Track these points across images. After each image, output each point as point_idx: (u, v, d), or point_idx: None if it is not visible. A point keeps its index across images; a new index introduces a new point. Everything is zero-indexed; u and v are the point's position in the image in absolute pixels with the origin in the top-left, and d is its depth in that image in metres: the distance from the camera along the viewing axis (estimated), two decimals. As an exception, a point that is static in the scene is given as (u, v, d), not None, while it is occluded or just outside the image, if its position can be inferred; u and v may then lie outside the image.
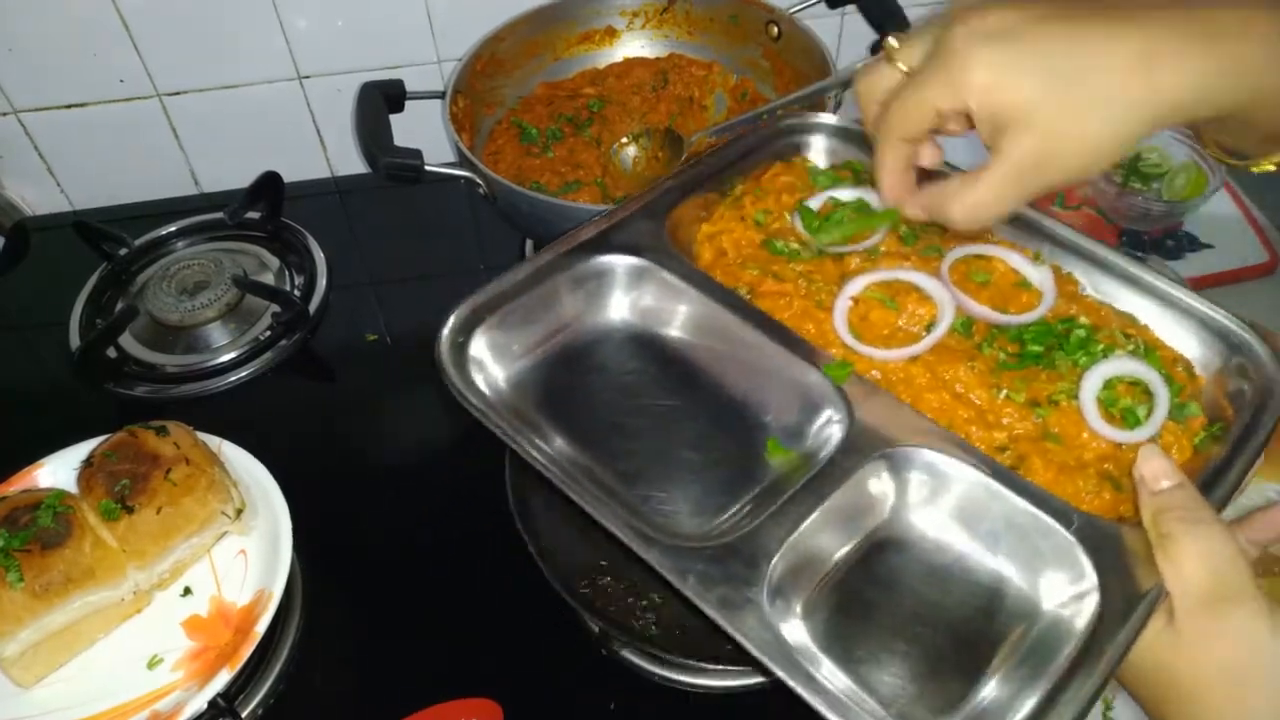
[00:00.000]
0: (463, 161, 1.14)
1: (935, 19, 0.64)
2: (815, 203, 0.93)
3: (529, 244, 1.37)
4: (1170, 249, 1.36)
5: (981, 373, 0.81)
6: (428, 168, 1.09)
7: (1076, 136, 0.58)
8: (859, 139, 0.96)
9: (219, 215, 1.40)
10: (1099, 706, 0.98)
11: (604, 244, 0.85)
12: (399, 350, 1.27)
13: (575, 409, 0.81)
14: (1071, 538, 0.68)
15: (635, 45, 1.39)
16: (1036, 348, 0.82)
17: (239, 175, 1.41)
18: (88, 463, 0.99)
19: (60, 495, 0.95)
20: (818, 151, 0.99)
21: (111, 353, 1.26)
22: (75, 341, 1.27)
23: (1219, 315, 0.82)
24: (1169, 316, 0.85)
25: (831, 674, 0.65)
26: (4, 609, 0.88)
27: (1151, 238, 1.38)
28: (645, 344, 0.86)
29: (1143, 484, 0.67)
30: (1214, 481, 0.71)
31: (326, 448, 1.17)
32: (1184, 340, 0.84)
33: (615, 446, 0.78)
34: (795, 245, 0.90)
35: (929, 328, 0.83)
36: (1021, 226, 0.90)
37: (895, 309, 0.84)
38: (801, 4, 1.27)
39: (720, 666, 0.88)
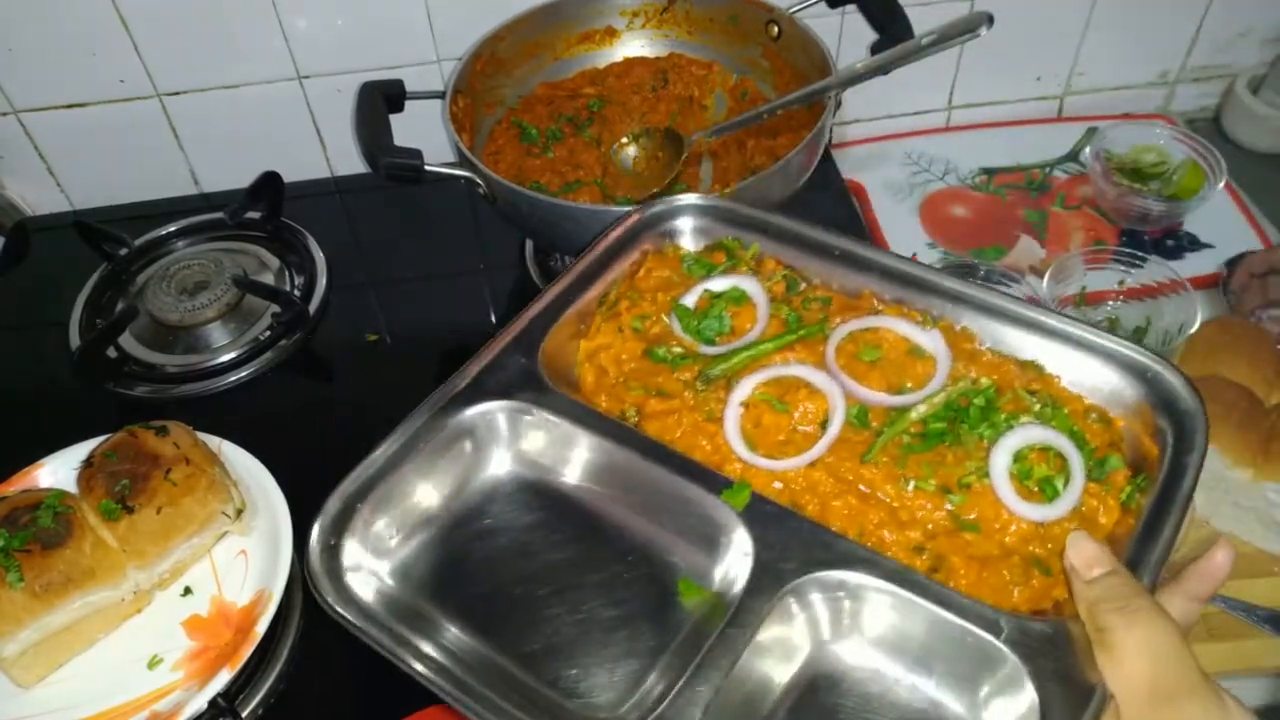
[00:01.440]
0: (463, 161, 1.14)
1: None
2: (690, 299, 0.89)
3: (529, 245, 1.37)
4: (1170, 249, 1.36)
5: (886, 465, 0.76)
6: (428, 168, 1.09)
7: None
8: (726, 215, 0.93)
9: (219, 215, 1.40)
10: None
11: (476, 393, 0.80)
12: (399, 350, 1.27)
13: (471, 585, 0.75)
14: (1004, 648, 0.64)
15: (635, 45, 1.39)
16: (939, 424, 0.78)
17: (239, 175, 1.41)
18: (88, 463, 0.99)
19: (60, 495, 0.95)
20: (688, 235, 0.94)
21: (111, 353, 1.26)
22: (75, 341, 1.27)
23: (1127, 349, 0.78)
24: (1075, 356, 0.80)
25: None
26: (4, 609, 0.88)
27: (1151, 238, 1.38)
28: (538, 493, 0.80)
29: (1074, 574, 0.64)
30: (1146, 545, 0.67)
31: (326, 448, 1.16)
32: (1096, 377, 0.79)
33: (518, 621, 0.72)
34: (678, 349, 0.86)
35: (824, 424, 0.79)
36: (906, 283, 0.86)
37: (786, 410, 0.80)
38: (802, 4, 1.27)
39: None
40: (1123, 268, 1.27)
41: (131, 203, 1.48)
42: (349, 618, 0.70)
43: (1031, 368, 0.81)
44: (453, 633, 0.72)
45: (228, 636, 0.94)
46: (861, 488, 0.76)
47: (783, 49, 1.28)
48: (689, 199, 0.94)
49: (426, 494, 0.79)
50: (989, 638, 0.64)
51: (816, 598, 0.70)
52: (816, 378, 0.81)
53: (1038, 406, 0.78)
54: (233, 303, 1.29)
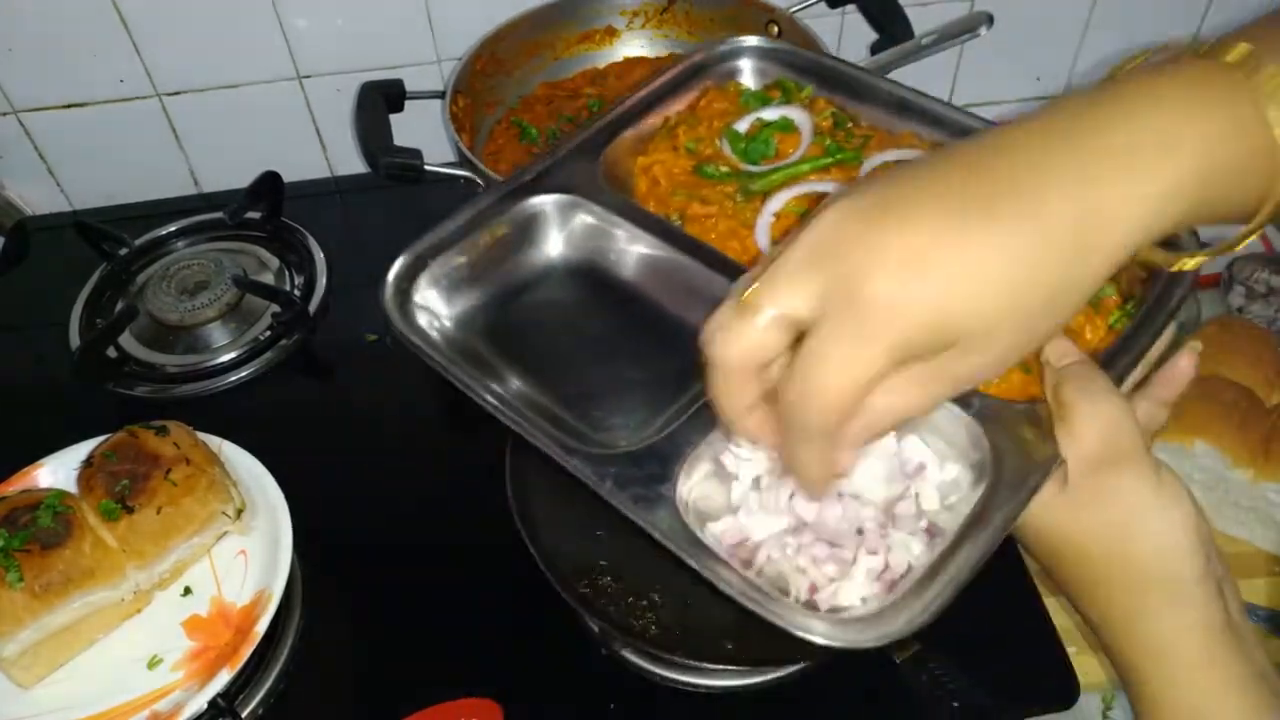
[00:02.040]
0: (463, 161, 1.14)
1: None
2: (742, 125, 0.94)
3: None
4: (1169, 248, 1.36)
5: None
6: (428, 167, 1.09)
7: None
8: (785, 57, 0.98)
9: (219, 215, 1.40)
10: (1098, 706, 0.98)
11: (539, 185, 0.88)
12: (399, 350, 1.27)
13: (523, 343, 0.84)
14: (973, 420, 0.68)
15: (635, 45, 1.39)
16: None
17: (239, 175, 1.41)
18: (88, 463, 0.99)
19: (60, 495, 0.95)
20: (749, 74, 1.00)
21: (111, 353, 1.26)
22: (75, 341, 1.27)
23: None
24: None
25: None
26: (4, 609, 0.88)
27: (1152, 237, 1.38)
28: (585, 275, 0.88)
29: (1047, 364, 0.68)
30: (1119, 350, 0.72)
31: (326, 448, 1.17)
32: None
33: (561, 372, 0.81)
34: (724, 169, 0.92)
35: None
36: (950, 129, 0.90)
37: None
38: (802, 4, 1.27)
39: (721, 666, 0.88)
40: (1123, 268, 1.27)
41: (131, 203, 1.48)
42: (423, 348, 0.78)
43: None
44: (505, 376, 0.81)
45: (227, 636, 0.94)
46: None
47: (783, 49, 1.28)
48: (751, 41, 0.99)
49: (488, 264, 0.86)
50: (958, 411, 0.69)
51: None
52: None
53: None
54: (233, 303, 1.29)
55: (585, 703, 0.92)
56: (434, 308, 0.84)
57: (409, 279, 0.82)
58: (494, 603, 0.99)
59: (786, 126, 0.94)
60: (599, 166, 0.90)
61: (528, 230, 0.88)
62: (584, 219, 0.88)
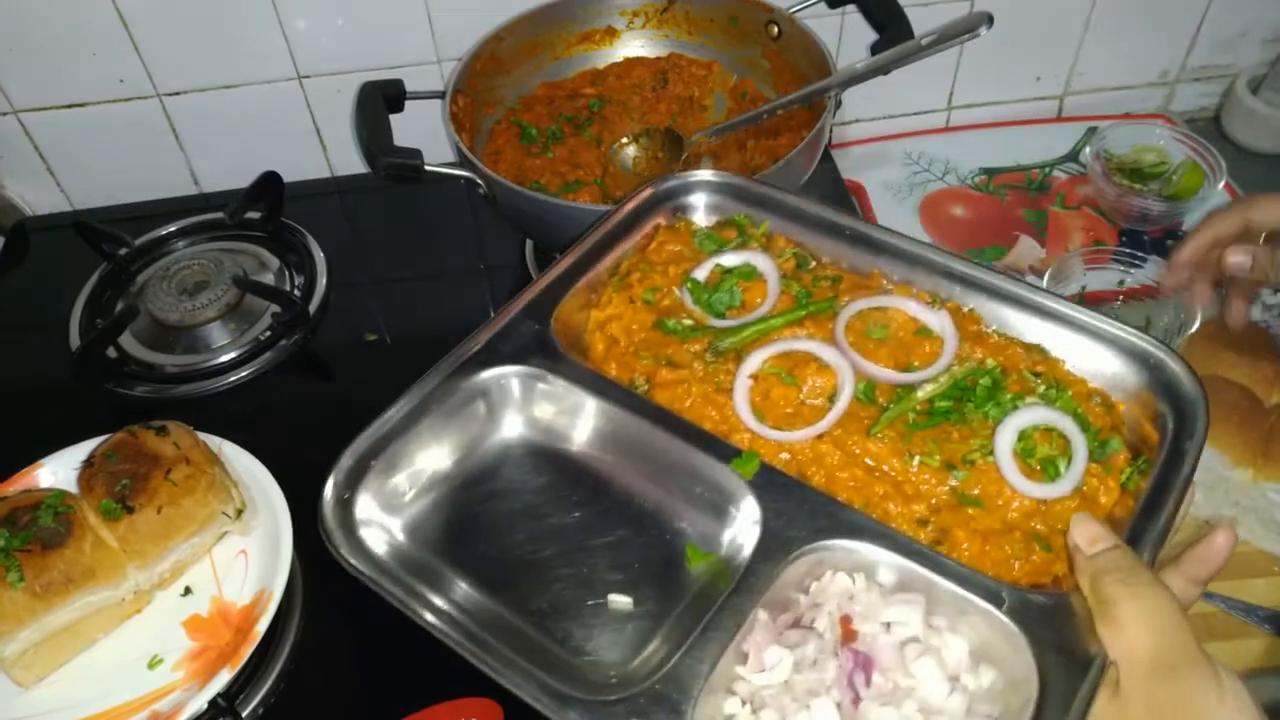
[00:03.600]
0: (463, 161, 1.14)
1: None
2: (701, 273, 0.90)
3: (529, 245, 1.37)
4: (1170, 249, 1.36)
5: (892, 440, 0.78)
6: (428, 167, 1.09)
7: None
8: (738, 191, 0.94)
9: (219, 215, 1.40)
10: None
11: (489, 357, 0.82)
12: (399, 350, 1.27)
13: (481, 544, 0.77)
14: (1005, 619, 0.65)
15: (635, 45, 1.39)
16: (944, 403, 0.79)
17: (239, 175, 1.41)
18: (88, 463, 0.99)
19: (61, 495, 0.95)
20: (700, 211, 0.95)
21: (111, 353, 1.26)
22: (75, 341, 1.27)
23: (1129, 335, 0.79)
24: (1080, 341, 0.81)
25: None
26: (4, 609, 0.88)
27: (1151, 238, 1.38)
28: (548, 458, 0.82)
29: (1077, 550, 0.65)
30: (1146, 523, 0.68)
31: (327, 448, 1.16)
32: (1100, 362, 0.81)
33: (528, 581, 0.74)
34: (688, 321, 0.87)
35: (832, 399, 0.81)
36: (915, 265, 0.88)
37: (795, 384, 0.81)
38: (802, 4, 1.27)
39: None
40: (1122, 268, 1.27)
41: (131, 203, 1.48)
42: (362, 569, 0.71)
43: (1036, 351, 0.83)
44: (463, 589, 0.74)
45: (228, 636, 0.94)
46: (867, 461, 0.78)
47: (783, 49, 1.28)
48: (702, 175, 0.95)
49: (438, 454, 0.80)
50: (990, 608, 0.65)
51: (822, 564, 0.71)
52: (826, 353, 0.82)
53: (1042, 388, 0.79)
54: (233, 303, 1.29)
55: (585, 703, 0.92)
56: (381, 519, 0.76)
57: (350, 487, 0.75)
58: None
59: (749, 274, 0.89)
60: (550, 329, 0.83)
61: (480, 412, 0.81)
62: (543, 395, 0.81)
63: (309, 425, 1.20)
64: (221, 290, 1.28)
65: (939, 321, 0.84)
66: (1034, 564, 0.71)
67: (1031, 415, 0.77)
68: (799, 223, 0.92)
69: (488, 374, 0.81)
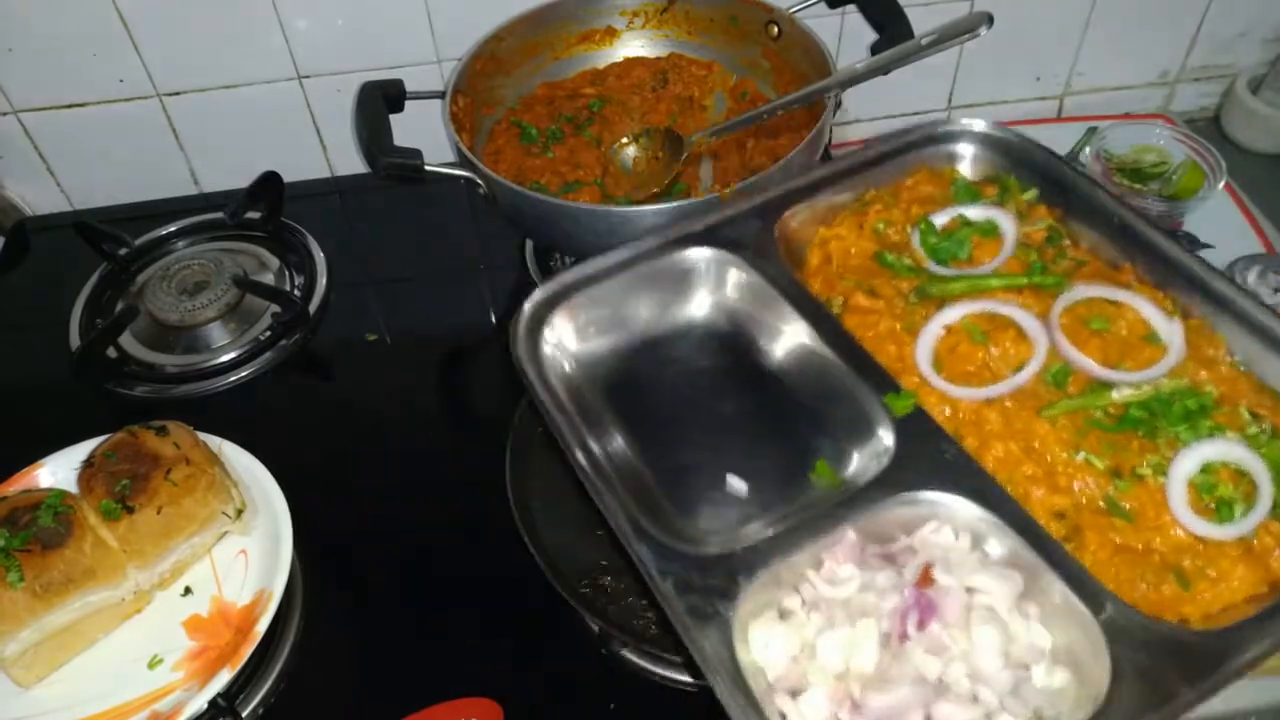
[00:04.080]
0: (463, 161, 1.14)
1: None
2: (941, 219, 0.86)
3: (529, 245, 1.37)
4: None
5: (1064, 428, 0.73)
6: (428, 167, 1.09)
7: None
8: (1015, 151, 0.89)
9: (219, 215, 1.40)
10: None
11: (707, 237, 0.83)
12: (399, 350, 1.27)
13: (639, 401, 0.80)
14: (1096, 624, 0.62)
15: (635, 45, 1.39)
16: (1139, 413, 0.73)
17: (239, 175, 1.41)
18: (88, 463, 0.99)
19: (61, 495, 0.95)
20: (967, 161, 0.92)
21: (112, 353, 1.26)
22: (75, 341, 1.27)
23: None
24: None
25: (793, 709, 0.63)
26: (5, 609, 0.88)
27: (1151, 237, 1.38)
28: (723, 343, 0.84)
29: None
30: None
31: (326, 448, 1.17)
32: None
33: (667, 441, 0.77)
34: (907, 261, 0.85)
35: (1018, 370, 0.77)
36: (1175, 273, 0.81)
37: (985, 344, 0.78)
38: (802, 4, 1.27)
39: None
40: (1123, 268, 1.27)
41: (131, 203, 1.48)
42: (535, 383, 0.75)
43: (1270, 394, 0.76)
44: (610, 430, 0.77)
45: (228, 636, 0.94)
46: (1034, 442, 0.74)
47: (783, 49, 1.28)
48: (979, 125, 0.92)
49: (632, 307, 0.83)
50: (1086, 611, 0.63)
51: (927, 514, 0.70)
52: (1029, 323, 0.79)
53: (1254, 429, 0.73)
54: (233, 303, 1.29)
55: (585, 703, 0.92)
56: (564, 343, 0.80)
57: (548, 306, 0.79)
58: (494, 603, 0.99)
59: (989, 230, 0.85)
60: (775, 230, 0.84)
61: (679, 282, 0.84)
62: (739, 283, 0.83)
63: (309, 425, 1.20)
64: (221, 290, 1.28)
65: (1169, 331, 0.78)
66: (1162, 595, 0.67)
67: (1225, 449, 0.71)
68: (1070, 201, 0.87)
69: (700, 252, 0.83)
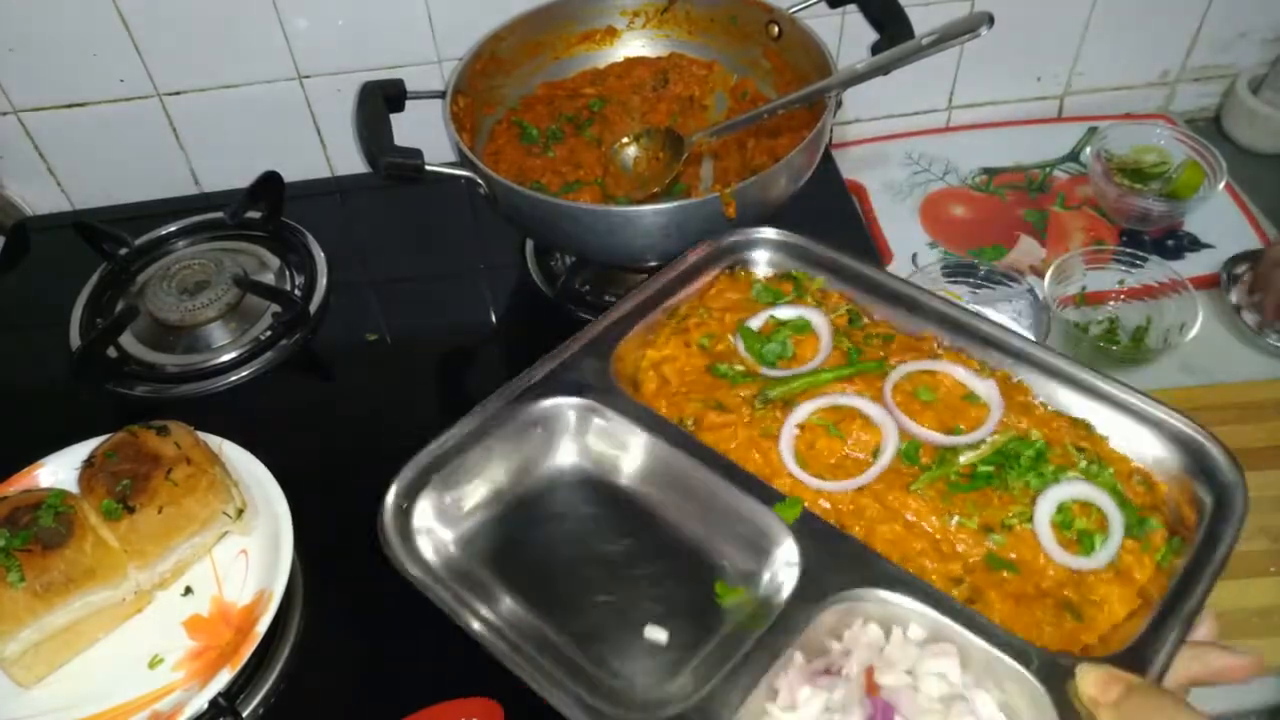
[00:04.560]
0: (463, 161, 1.14)
1: None
2: (756, 322, 0.93)
3: (529, 245, 1.37)
4: (1170, 249, 1.36)
5: (932, 499, 0.79)
6: (428, 167, 1.09)
7: None
8: (798, 251, 0.98)
9: (219, 215, 1.40)
10: None
11: (549, 387, 0.85)
12: (399, 350, 1.27)
13: (528, 563, 0.80)
14: (1032, 678, 0.66)
15: (636, 45, 1.39)
16: (987, 468, 0.81)
17: (239, 175, 1.41)
18: (89, 463, 0.99)
19: (61, 495, 0.95)
20: (761, 265, 1.00)
21: (112, 352, 1.26)
22: (76, 341, 1.27)
23: (1175, 421, 0.80)
24: (1125, 422, 0.83)
25: None
26: (5, 609, 0.88)
27: (1152, 238, 1.38)
28: (597, 487, 0.85)
29: (1095, 704, 0.63)
30: (1176, 603, 0.69)
31: (327, 447, 1.17)
32: (1143, 444, 0.82)
33: (570, 602, 0.77)
34: (739, 368, 0.90)
35: (875, 454, 0.83)
36: (968, 335, 0.90)
37: (840, 436, 0.84)
38: (802, 4, 1.27)
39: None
40: (1123, 268, 1.27)
41: (132, 202, 1.48)
42: (416, 574, 0.75)
43: (1081, 426, 0.84)
44: (508, 603, 0.77)
45: (228, 636, 0.94)
46: (907, 516, 0.79)
47: (783, 49, 1.28)
48: (766, 233, 0.99)
49: (495, 474, 0.84)
50: (1018, 667, 0.67)
51: (857, 612, 0.73)
52: (872, 410, 0.85)
53: (1084, 463, 0.80)
54: (233, 302, 1.29)
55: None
56: (435, 529, 0.80)
57: (408, 497, 0.79)
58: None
59: (803, 327, 0.92)
60: (609, 365, 0.87)
61: (538, 437, 0.85)
62: (598, 427, 0.85)
63: (309, 425, 1.20)
64: (222, 290, 1.28)
65: (986, 389, 0.86)
66: (1064, 631, 0.72)
67: (1071, 490, 0.78)
68: (854, 283, 0.95)
69: (547, 403, 0.85)
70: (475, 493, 0.83)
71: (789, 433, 0.84)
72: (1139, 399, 0.83)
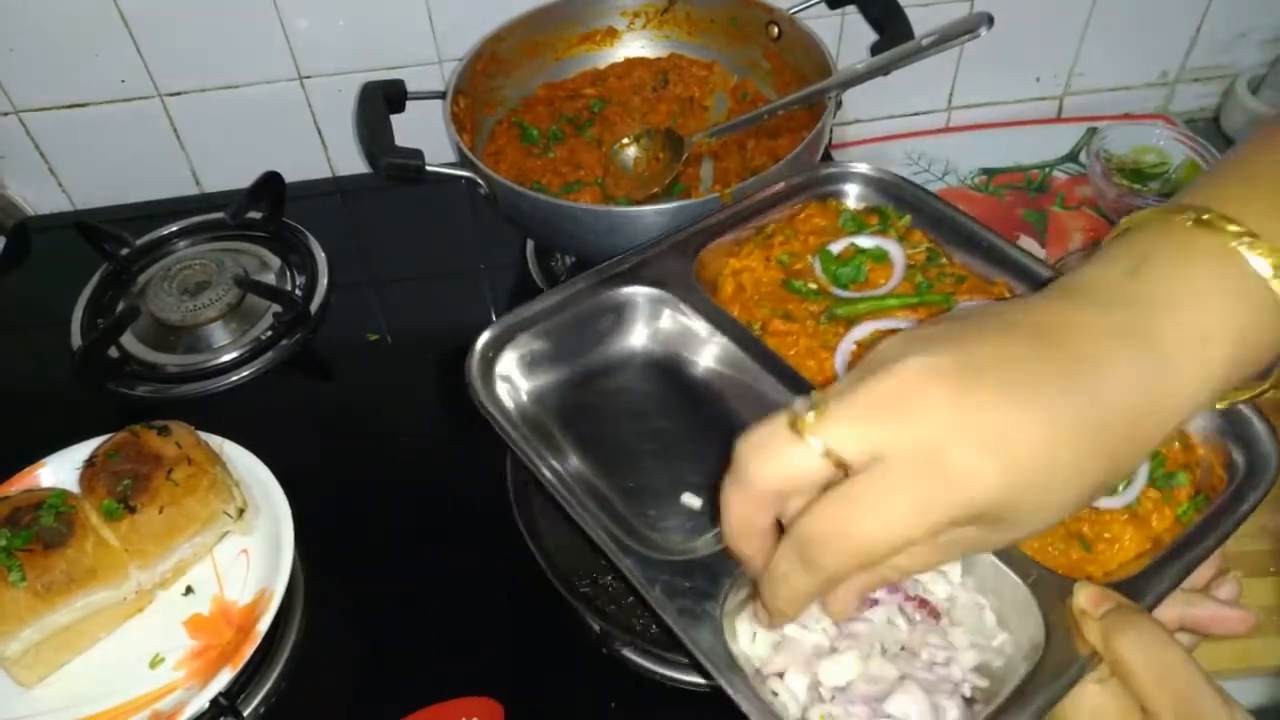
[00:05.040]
0: (464, 162, 1.14)
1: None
2: (837, 247, 0.97)
3: (529, 245, 1.37)
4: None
5: None
6: (429, 168, 1.10)
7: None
8: (890, 187, 1.01)
9: (220, 215, 1.40)
10: None
11: (634, 276, 0.91)
12: (400, 350, 1.28)
13: (591, 426, 0.86)
14: (1027, 589, 0.68)
15: (636, 45, 1.39)
16: None
17: (240, 175, 1.41)
18: (90, 462, 0.99)
19: (62, 495, 0.95)
20: (852, 197, 1.03)
21: (113, 352, 1.26)
22: (77, 341, 1.27)
23: None
24: None
25: (782, 689, 0.67)
26: (6, 608, 0.88)
27: (1151, 238, 1.38)
28: (662, 370, 0.91)
29: (1085, 616, 0.64)
30: (1184, 548, 0.71)
31: (328, 447, 1.17)
32: None
33: (623, 463, 0.83)
34: (813, 286, 0.94)
35: None
36: (1026, 276, 0.91)
37: None
38: (802, 4, 1.27)
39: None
40: (1122, 268, 1.27)
41: (133, 203, 1.48)
42: (495, 415, 0.82)
43: None
44: (569, 453, 0.84)
45: (229, 636, 0.94)
46: None
47: (783, 50, 1.28)
48: (861, 167, 1.02)
49: (571, 345, 0.90)
50: (1015, 578, 0.69)
51: None
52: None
53: None
54: (234, 303, 1.29)
55: (585, 702, 0.92)
56: (514, 379, 0.87)
57: (495, 348, 0.86)
58: (494, 602, 0.99)
59: (880, 257, 0.96)
60: (692, 266, 0.93)
61: (614, 318, 0.91)
62: (671, 315, 0.91)
63: (310, 425, 1.20)
64: (223, 290, 1.28)
65: None
66: (1070, 560, 0.75)
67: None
68: (938, 227, 0.98)
69: (629, 290, 0.91)
70: (552, 356, 0.89)
71: (846, 347, 0.87)
72: None
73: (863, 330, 0.89)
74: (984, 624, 0.71)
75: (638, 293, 0.91)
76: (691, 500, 0.82)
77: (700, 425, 0.87)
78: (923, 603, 0.71)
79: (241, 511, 1.00)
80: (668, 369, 0.91)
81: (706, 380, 0.90)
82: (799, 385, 0.83)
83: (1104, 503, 0.77)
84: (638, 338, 0.93)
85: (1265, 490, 0.75)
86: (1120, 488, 0.78)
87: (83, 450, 1.03)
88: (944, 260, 0.96)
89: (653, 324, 0.92)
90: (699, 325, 0.89)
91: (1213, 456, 0.80)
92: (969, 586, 0.73)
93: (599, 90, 1.36)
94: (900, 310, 0.91)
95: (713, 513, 0.78)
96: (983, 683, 0.67)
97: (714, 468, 0.79)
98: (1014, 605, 0.70)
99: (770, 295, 0.94)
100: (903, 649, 0.69)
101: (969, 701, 0.67)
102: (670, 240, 0.94)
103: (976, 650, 0.69)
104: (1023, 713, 0.62)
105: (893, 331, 0.88)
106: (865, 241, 0.97)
